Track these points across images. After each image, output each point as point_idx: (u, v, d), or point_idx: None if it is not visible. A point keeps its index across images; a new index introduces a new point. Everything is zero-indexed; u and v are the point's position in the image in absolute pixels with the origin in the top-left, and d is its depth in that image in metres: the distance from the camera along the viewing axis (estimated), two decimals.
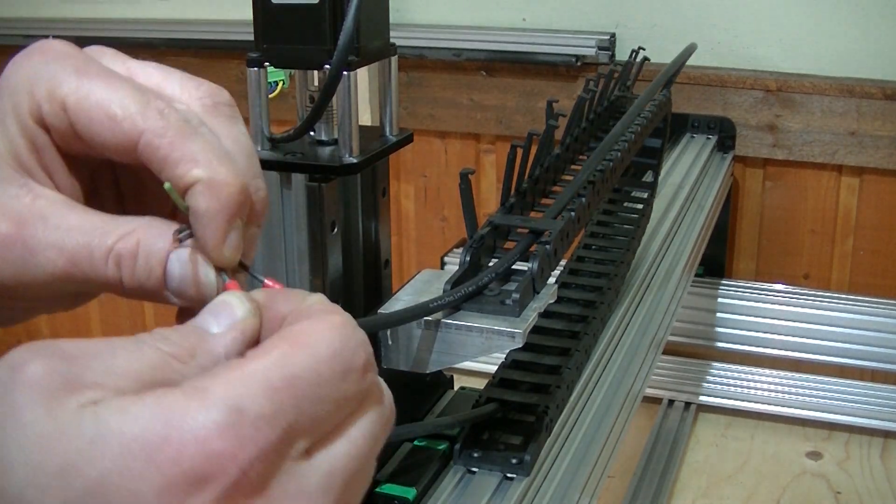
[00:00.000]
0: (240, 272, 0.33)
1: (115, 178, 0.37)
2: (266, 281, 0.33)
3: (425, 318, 0.46)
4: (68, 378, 0.26)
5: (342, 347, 0.29)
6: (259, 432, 0.26)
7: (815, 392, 1.12)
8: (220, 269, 0.32)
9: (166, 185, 0.31)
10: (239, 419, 0.26)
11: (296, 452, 0.27)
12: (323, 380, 0.28)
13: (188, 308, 0.33)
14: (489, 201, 1.33)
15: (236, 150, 0.34)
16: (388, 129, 0.61)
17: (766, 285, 1.17)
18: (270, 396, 0.27)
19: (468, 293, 0.47)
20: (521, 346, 0.46)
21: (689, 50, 0.97)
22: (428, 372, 0.48)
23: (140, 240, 0.32)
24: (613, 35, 1.22)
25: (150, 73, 0.35)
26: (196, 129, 0.32)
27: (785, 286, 1.16)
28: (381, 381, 0.31)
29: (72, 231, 0.32)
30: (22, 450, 0.25)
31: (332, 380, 0.28)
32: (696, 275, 1.14)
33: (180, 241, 0.32)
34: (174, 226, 0.32)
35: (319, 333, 0.29)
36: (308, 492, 0.27)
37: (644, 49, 0.87)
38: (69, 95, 0.32)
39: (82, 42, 0.35)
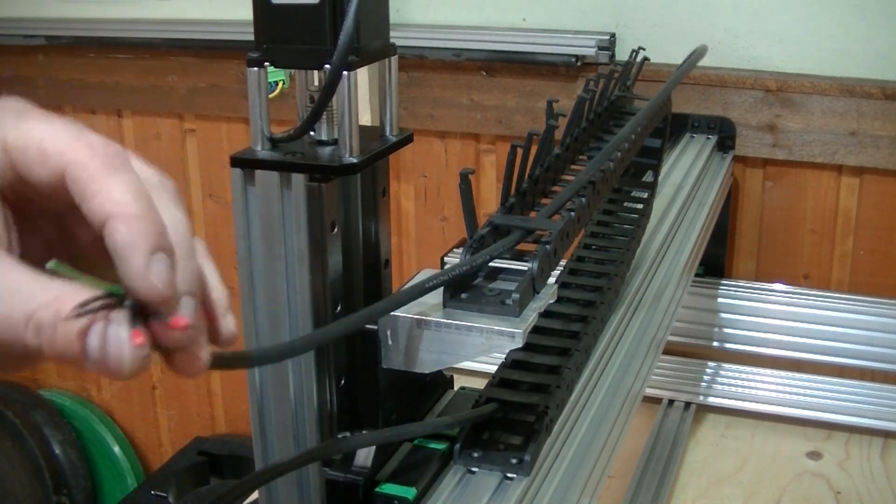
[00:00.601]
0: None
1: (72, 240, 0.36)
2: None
3: (424, 317, 0.46)
4: None
5: None
6: None
7: (815, 392, 1.12)
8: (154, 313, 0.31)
9: (50, 264, 0.30)
10: None
11: None
12: None
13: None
14: (489, 201, 1.33)
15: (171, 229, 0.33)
16: (388, 129, 0.61)
17: (766, 285, 1.17)
18: None
19: (464, 271, 0.47)
20: (521, 346, 0.46)
21: (700, 53, 0.97)
22: (428, 372, 0.48)
23: (58, 310, 0.30)
24: (613, 35, 1.22)
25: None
26: (121, 167, 0.31)
27: (785, 286, 1.16)
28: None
29: None
30: None
31: None
32: (696, 275, 1.14)
33: (84, 312, 0.30)
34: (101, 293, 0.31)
35: None
36: None
37: (644, 49, 0.86)
38: (9, 135, 0.32)
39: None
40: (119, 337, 0.30)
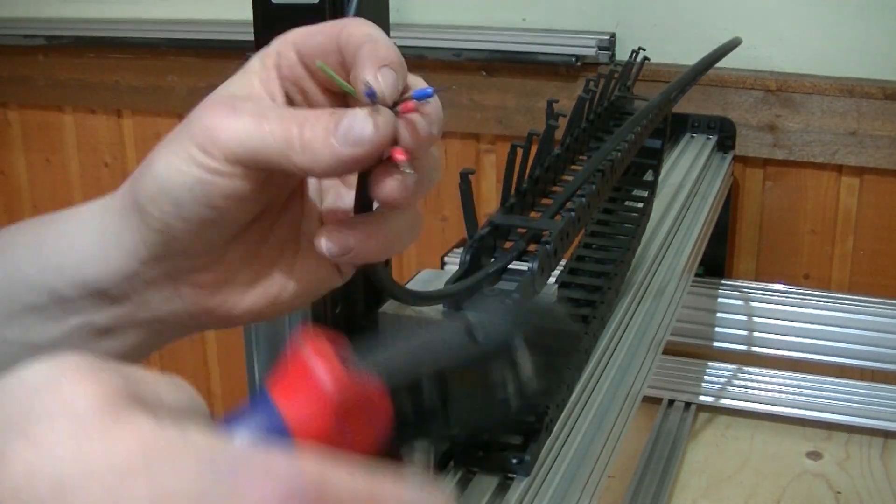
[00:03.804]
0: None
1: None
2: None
3: (424, 317, 0.46)
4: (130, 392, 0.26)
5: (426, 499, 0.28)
6: (332, 497, 0.25)
7: (815, 392, 1.12)
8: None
9: (318, 63, 0.40)
10: (323, 479, 0.25)
11: None
12: None
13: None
14: (489, 201, 1.33)
15: None
16: None
17: (766, 285, 1.17)
18: (353, 480, 0.26)
19: (468, 285, 0.47)
20: None
21: (710, 57, 0.97)
22: None
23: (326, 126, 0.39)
24: (613, 35, 1.22)
25: None
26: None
27: (785, 286, 1.16)
28: None
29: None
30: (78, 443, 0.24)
31: None
32: (696, 275, 1.14)
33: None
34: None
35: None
36: None
37: (644, 49, 0.87)
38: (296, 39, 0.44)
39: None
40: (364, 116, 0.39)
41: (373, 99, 0.38)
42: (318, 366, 0.29)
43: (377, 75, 0.39)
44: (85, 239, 0.44)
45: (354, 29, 0.41)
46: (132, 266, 0.43)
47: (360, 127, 0.38)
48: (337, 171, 0.39)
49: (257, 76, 0.43)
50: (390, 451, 0.32)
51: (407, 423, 0.33)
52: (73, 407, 0.24)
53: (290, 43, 0.43)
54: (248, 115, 0.40)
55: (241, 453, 0.25)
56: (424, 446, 0.34)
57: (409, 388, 0.32)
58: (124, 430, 0.24)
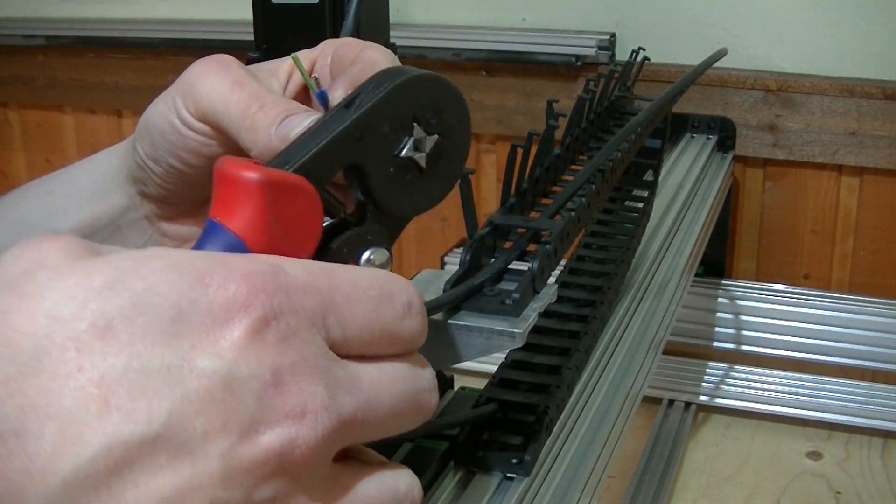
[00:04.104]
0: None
1: None
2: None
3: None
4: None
5: (384, 275, 0.33)
6: (293, 287, 0.29)
7: (815, 392, 1.12)
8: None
9: (292, 55, 0.42)
10: (278, 272, 0.29)
11: (322, 330, 0.30)
12: (360, 288, 0.31)
13: None
14: (489, 201, 1.33)
15: None
16: None
17: (766, 285, 1.17)
18: (308, 270, 0.30)
19: (469, 290, 0.47)
20: (521, 346, 0.46)
21: (718, 56, 0.96)
22: None
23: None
24: (613, 35, 1.22)
25: None
26: None
27: (785, 286, 1.16)
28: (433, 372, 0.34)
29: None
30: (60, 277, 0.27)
31: (368, 292, 0.31)
32: (696, 275, 1.14)
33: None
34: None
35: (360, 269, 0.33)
36: (319, 368, 0.29)
37: (644, 49, 0.86)
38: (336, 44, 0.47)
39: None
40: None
41: (323, 103, 0.39)
42: (240, 169, 0.32)
43: (342, 88, 0.41)
44: (91, 179, 0.48)
45: (373, 53, 0.43)
46: (124, 202, 0.47)
47: (297, 126, 0.39)
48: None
49: (290, 62, 0.45)
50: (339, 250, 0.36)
51: (336, 208, 0.36)
52: (46, 261, 0.27)
53: (332, 45, 0.45)
54: (230, 79, 0.41)
55: (203, 259, 0.28)
56: (383, 254, 0.37)
57: (324, 174, 0.35)
58: (94, 263, 0.27)
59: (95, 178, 0.48)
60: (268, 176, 0.32)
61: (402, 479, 0.33)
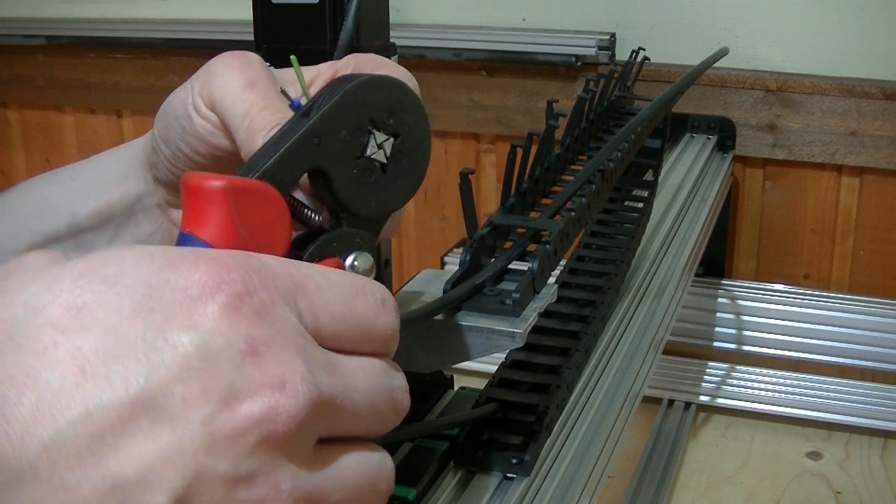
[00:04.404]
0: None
1: None
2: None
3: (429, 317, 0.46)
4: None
5: (354, 274, 0.34)
6: (264, 268, 0.30)
7: (815, 392, 1.12)
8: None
9: (291, 56, 0.42)
10: (249, 257, 0.30)
11: (294, 312, 0.30)
12: (330, 280, 0.32)
13: None
14: (489, 201, 1.33)
15: None
16: None
17: (766, 285, 1.17)
18: (278, 261, 0.31)
19: (469, 290, 0.47)
20: (521, 345, 0.46)
21: (719, 55, 0.96)
22: (428, 372, 0.48)
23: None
24: (613, 35, 1.22)
25: None
26: None
27: (785, 286, 1.16)
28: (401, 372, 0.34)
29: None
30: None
31: (339, 284, 0.32)
32: (696, 275, 1.14)
33: None
34: None
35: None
36: (296, 344, 0.29)
37: (644, 49, 0.86)
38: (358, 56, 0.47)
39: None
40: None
41: (293, 110, 0.40)
42: (204, 179, 0.33)
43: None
44: (116, 165, 0.50)
45: (387, 70, 0.43)
46: (141, 187, 0.49)
47: None
48: None
49: (316, 70, 0.46)
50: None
51: (309, 217, 0.37)
52: (27, 265, 0.29)
53: (354, 59, 0.46)
54: (245, 78, 0.43)
55: (173, 249, 0.29)
56: (367, 260, 0.38)
57: (287, 179, 0.36)
58: (71, 262, 0.29)
59: (120, 165, 0.50)
60: (231, 183, 0.33)
61: (378, 455, 0.34)
